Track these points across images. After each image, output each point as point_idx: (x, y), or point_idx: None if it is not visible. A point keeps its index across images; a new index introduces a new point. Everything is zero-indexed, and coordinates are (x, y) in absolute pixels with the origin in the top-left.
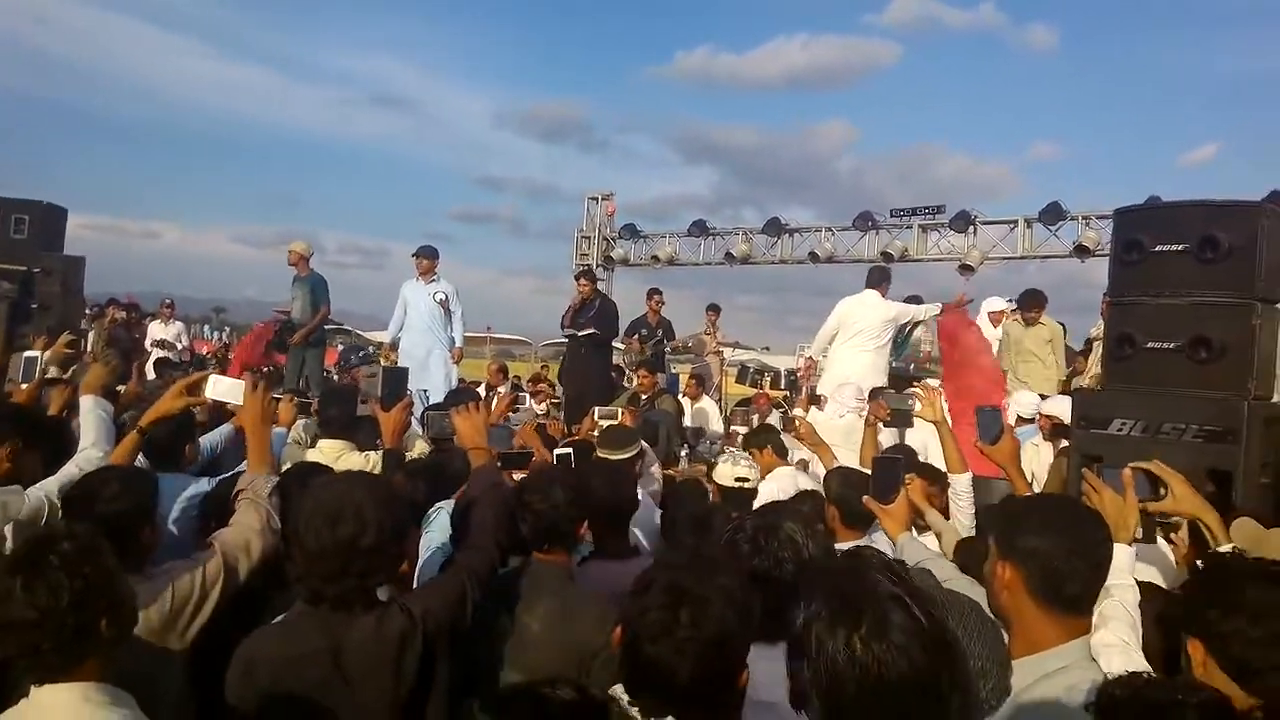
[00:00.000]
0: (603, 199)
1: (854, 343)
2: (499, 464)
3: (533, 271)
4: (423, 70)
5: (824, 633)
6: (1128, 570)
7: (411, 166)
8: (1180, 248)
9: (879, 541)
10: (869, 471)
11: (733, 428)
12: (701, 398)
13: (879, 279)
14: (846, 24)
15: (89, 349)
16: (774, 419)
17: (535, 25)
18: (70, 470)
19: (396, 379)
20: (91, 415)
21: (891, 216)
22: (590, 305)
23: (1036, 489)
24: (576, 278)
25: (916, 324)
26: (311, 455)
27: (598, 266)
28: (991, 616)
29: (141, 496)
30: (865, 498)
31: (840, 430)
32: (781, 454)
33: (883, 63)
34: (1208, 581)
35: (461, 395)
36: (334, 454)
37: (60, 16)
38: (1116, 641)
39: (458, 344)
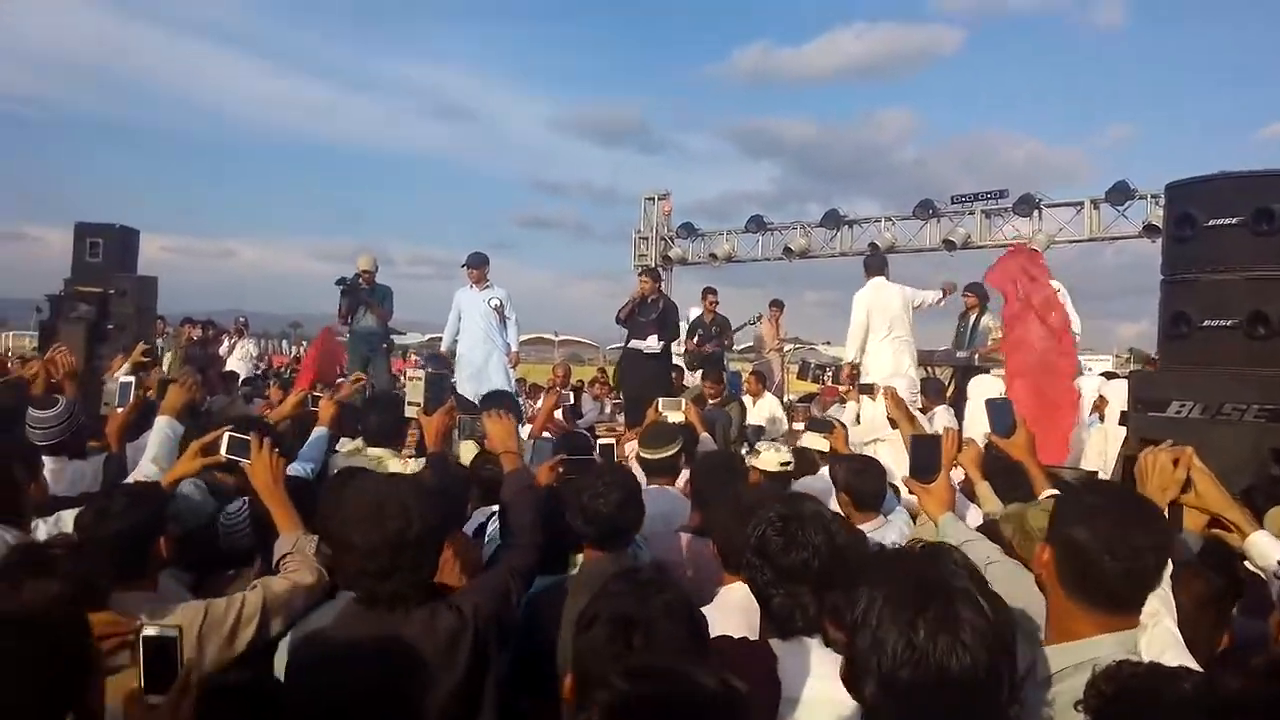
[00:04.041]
0: (659, 199)
1: (892, 337)
2: (562, 470)
3: (597, 274)
4: (480, 79)
5: (886, 617)
6: None
7: (474, 175)
8: (1234, 221)
9: (895, 525)
10: (872, 457)
11: (794, 424)
12: (764, 395)
13: (881, 265)
14: (905, 11)
15: (165, 368)
16: (835, 411)
17: (589, 29)
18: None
19: (439, 384)
20: (159, 434)
21: (953, 203)
22: (652, 306)
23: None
24: (640, 273)
25: (984, 312)
26: (356, 462)
27: (656, 266)
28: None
29: (149, 513)
30: (905, 477)
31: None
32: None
33: (944, 49)
34: None
35: (497, 398)
36: (374, 460)
37: (126, 40)
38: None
39: (514, 348)
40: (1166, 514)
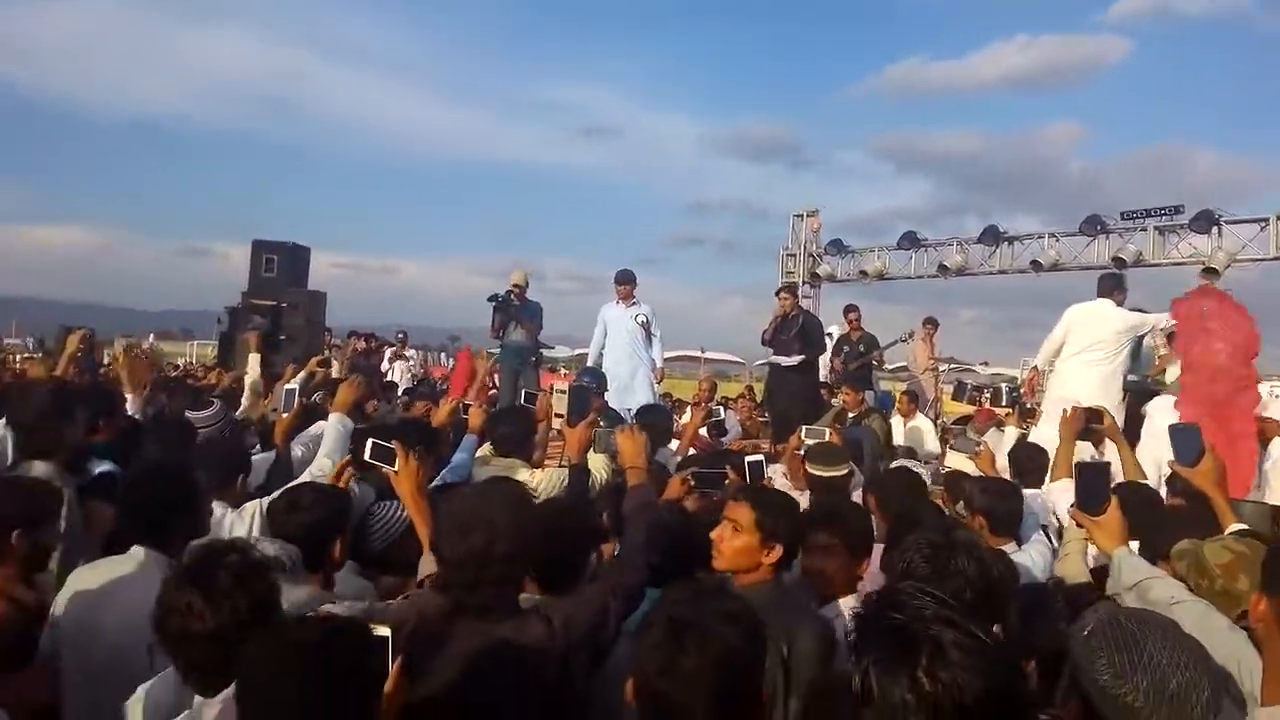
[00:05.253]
0: (808, 215)
1: (1084, 356)
2: (693, 483)
3: (742, 291)
4: (631, 99)
5: (885, 679)
6: None
7: (624, 194)
8: None
9: (1028, 552)
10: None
11: (948, 446)
12: (915, 415)
13: (1111, 286)
14: (1069, 22)
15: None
16: (993, 436)
17: (740, 47)
18: (304, 476)
19: (581, 396)
20: (333, 429)
21: (1123, 219)
22: (793, 322)
23: None
24: (777, 293)
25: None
26: (486, 472)
27: (804, 284)
28: (1190, 634)
29: (334, 510)
30: (1071, 509)
31: None
32: None
33: (1111, 59)
34: None
35: (652, 412)
36: (504, 472)
37: (307, 72)
38: None
39: (659, 364)
40: None
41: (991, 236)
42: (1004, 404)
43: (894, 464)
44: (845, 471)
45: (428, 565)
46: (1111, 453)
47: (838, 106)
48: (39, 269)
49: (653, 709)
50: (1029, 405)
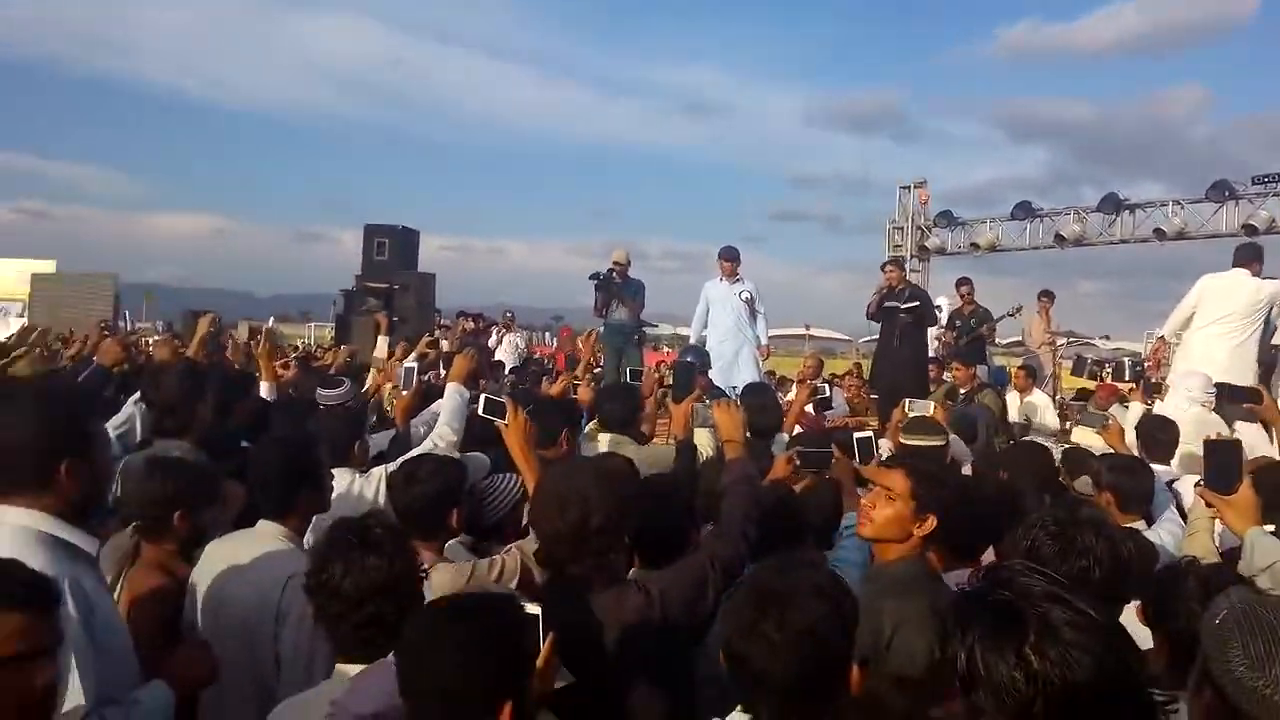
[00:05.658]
0: (915, 187)
1: (1212, 329)
2: (798, 463)
3: (847, 267)
4: (732, 75)
5: (991, 655)
6: None
7: (725, 170)
8: None
9: (1155, 531)
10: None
11: (1068, 423)
12: (1032, 390)
13: (1250, 257)
14: None
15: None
16: (1116, 412)
17: (842, 17)
18: (427, 445)
19: (686, 372)
20: (450, 400)
21: (1254, 184)
22: (899, 295)
23: None
24: (883, 266)
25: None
26: (593, 449)
27: (912, 257)
28: None
29: (452, 480)
30: (1199, 488)
31: (1188, 423)
32: None
33: (1236, 15)
34: None
35: (757, 391)
36: (611, 448)
37: (412, 58)
38: None
39: (763, 341)
40: None
41: (1111, 204)
42: (1126, 379)
43: (1024, 439)
44: (940, 442)
45: None
46: (1248, 431)
47: (945, 73)
48: (162, 256)
49: (737, 673)
50: (1154, 380)
